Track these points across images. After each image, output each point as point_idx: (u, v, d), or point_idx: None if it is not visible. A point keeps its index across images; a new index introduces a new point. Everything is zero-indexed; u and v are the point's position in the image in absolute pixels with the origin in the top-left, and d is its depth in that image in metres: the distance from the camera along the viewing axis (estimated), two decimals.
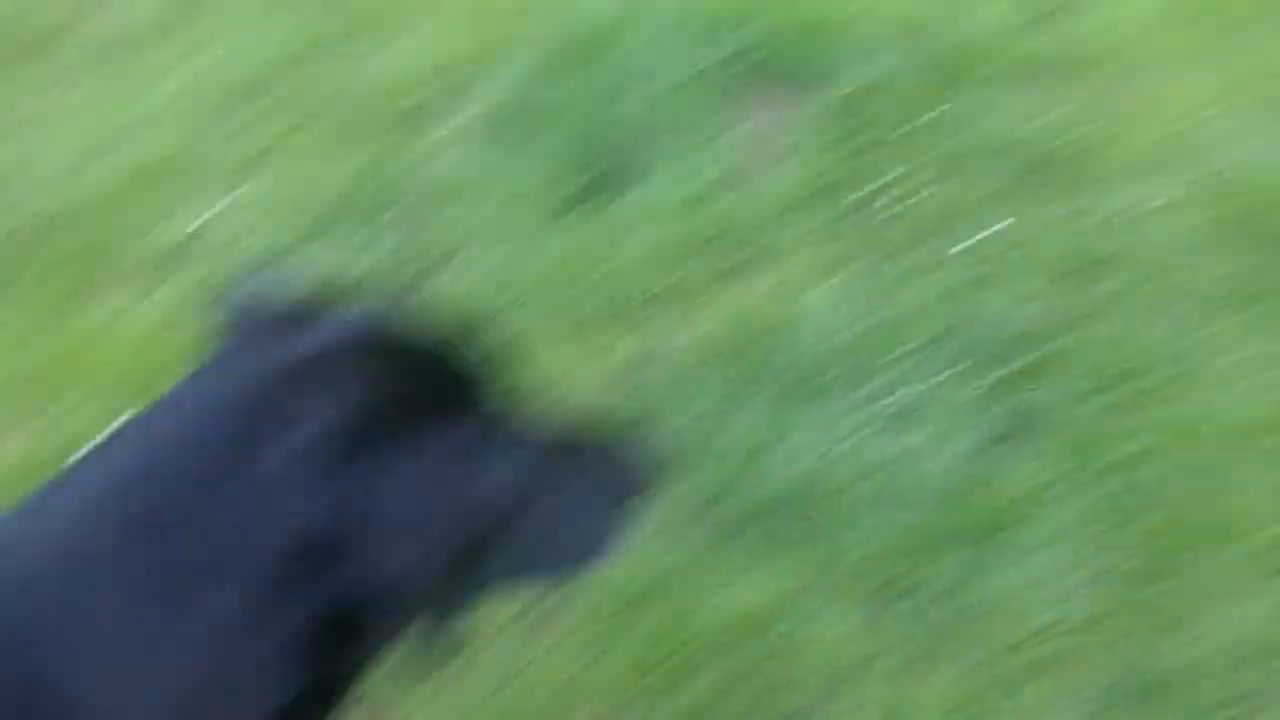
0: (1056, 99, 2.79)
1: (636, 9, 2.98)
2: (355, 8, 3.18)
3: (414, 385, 1.00)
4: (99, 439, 0.97)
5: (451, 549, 0.99)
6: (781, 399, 2.17)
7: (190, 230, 2.58)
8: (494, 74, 2.90)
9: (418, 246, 2.54)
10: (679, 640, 1.85)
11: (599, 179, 2.63)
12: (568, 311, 2.36)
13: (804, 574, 1.94)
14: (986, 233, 2.49)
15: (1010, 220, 2.51)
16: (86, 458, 0.96)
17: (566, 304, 2.38)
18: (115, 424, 0.97)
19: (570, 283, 2.42)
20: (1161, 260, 2.42)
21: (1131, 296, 2.35)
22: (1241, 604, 1.90)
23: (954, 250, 2.45)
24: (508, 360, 1.11)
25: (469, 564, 1.02)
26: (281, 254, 2.53)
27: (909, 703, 1.80)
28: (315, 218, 2.61)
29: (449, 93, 2.90)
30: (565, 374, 2.22)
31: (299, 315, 1.03)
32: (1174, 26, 2.98)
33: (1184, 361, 2.23)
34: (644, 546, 1.96)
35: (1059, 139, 2.69)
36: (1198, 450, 2.09)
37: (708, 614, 1.89)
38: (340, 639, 0.93)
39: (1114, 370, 2.21)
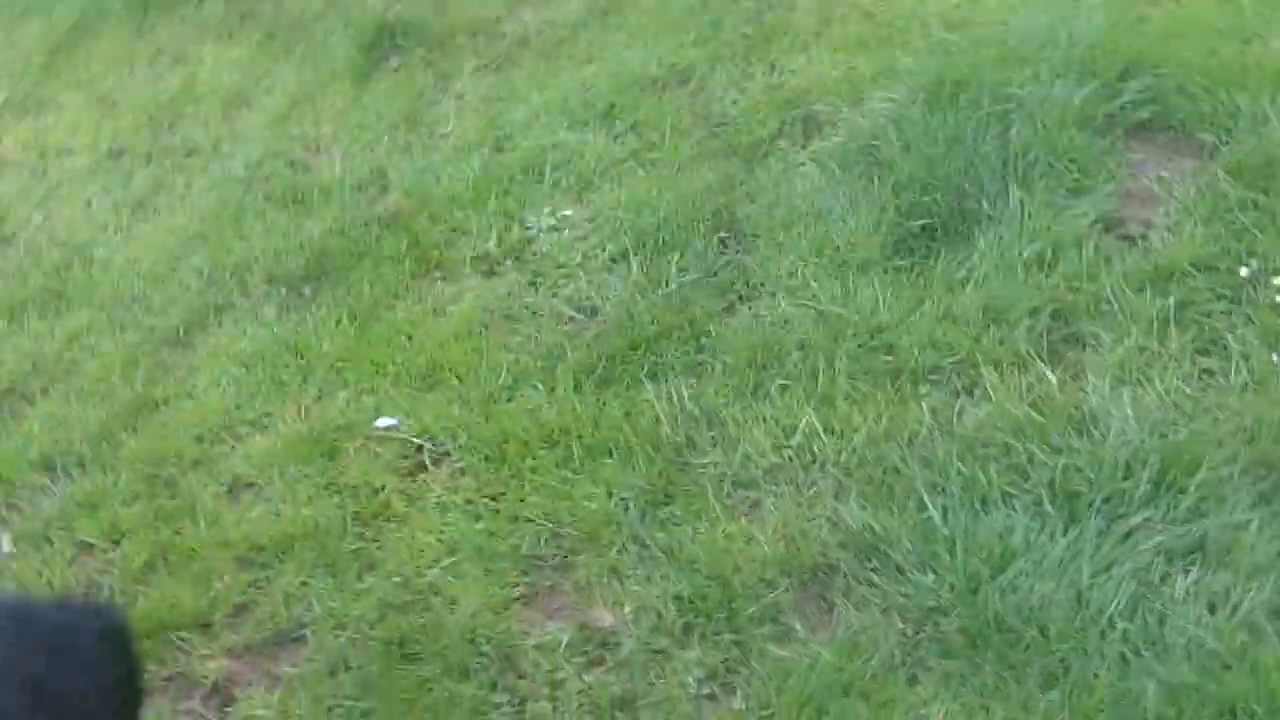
0: None
1: (1019, 50, 2.72)
2: (734, 34, 3.16)
3: None
4: None
5: None
6: (1052, 506, 1.88)
7: (521, 237, 2.68)
8: (860, 105, 2.77)
9: (737, 273, 2.48)
10: None
11: (942, 223, 2.42)
12: (875, 359, 2.21)
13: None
14: None
15: None
16: None
17: (877, 351, 2.22)
18: None
19: (889, 329, 2.25)
20: None
21: None
22: None
23: None
24: None
25: None
26: (602, 268, 2.57)
27: None
28: (644, 236, 2.62)
29: (806, 122, 2.81)
30: (865, 423, 2.08)
31: None
32: None
33: None
34: (842, 642, 1.78)
35: None
36: None
37: None
38: None
39: None
